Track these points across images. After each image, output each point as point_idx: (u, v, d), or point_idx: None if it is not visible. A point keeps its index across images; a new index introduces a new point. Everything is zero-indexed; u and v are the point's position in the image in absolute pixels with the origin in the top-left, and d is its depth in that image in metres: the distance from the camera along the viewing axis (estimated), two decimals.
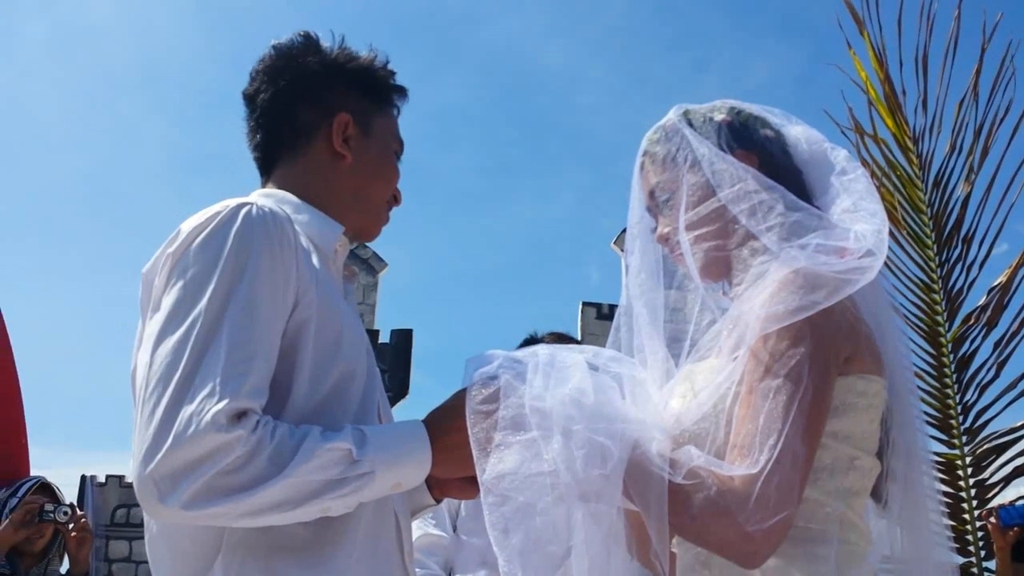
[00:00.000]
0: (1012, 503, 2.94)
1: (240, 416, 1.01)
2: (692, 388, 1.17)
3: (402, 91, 1.40)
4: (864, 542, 1.13)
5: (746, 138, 1.26)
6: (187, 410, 0.99)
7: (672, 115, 1.30)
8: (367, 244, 10.61)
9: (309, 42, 1.34)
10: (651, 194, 1.30)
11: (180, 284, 1.08)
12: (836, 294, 1.06)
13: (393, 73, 1.38)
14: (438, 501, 1.35)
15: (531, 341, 2.40)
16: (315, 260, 1.20)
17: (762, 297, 1.09)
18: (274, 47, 1.34)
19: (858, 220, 1.16)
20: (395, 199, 1.39)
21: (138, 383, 1.07)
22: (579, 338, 2.47)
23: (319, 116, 1.31)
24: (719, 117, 1.28)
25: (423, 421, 1.14)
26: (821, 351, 1.06)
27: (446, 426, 1.12)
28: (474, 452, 1.05)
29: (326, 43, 1.35)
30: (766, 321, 1.06)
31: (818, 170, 1.26)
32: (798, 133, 1.29)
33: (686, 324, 1.26)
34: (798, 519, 1.05)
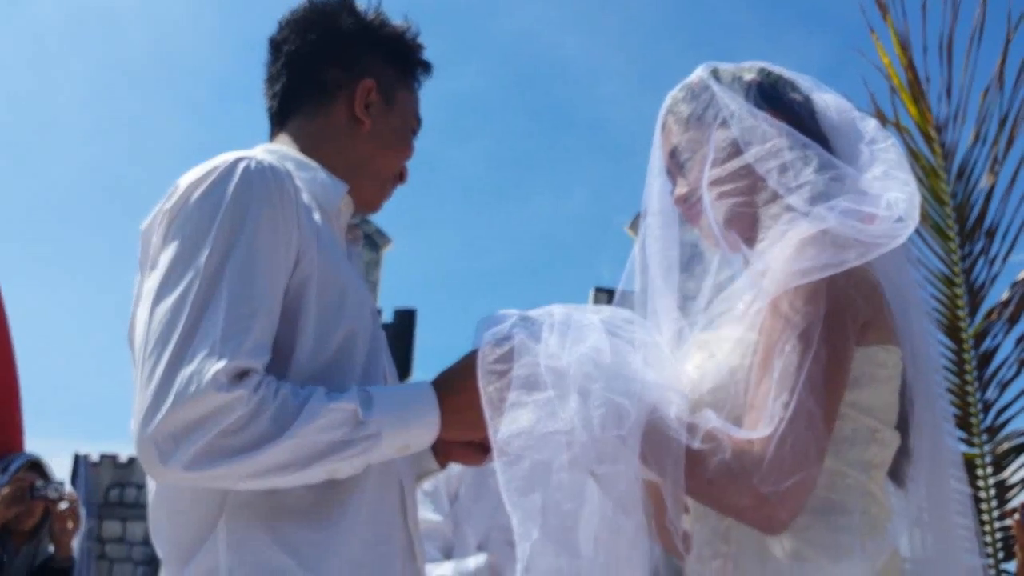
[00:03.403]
0: None
1: (242, 375, 0.99)
2: (710, 355, 1.14)
3: (427, 67, 1.38)
4: (884, 515, 1.11)
5: (775, 99, 1.23)
6: (187, 370, 0.97)
7: (700, 72, 1.27)
8: (369, 219, 10.60)
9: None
10: (672, 154, 1.28)
11: (177, 241, 1.06)
12: (866, 255, 1.04)
13: (422, 47, 1.36)
14: (442, 467, 1.33)
15: None
16: (317, 217, 1.17)
17: (787, 253, 1.07)
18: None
19: (890, 188, 1.13)
20: (401, 176, 1.37)
21: (137, 343, 1.05)
22: None
23: (344, 77, 1.29)
24: (748, 77, 1.25)
25: (432, 382, 1.12)
26: (839, 311, 1.04)
27: (456, 386, 1.10)
28: (487, 412, 1.03)
29: (361, 4, 1.33)
30: (792, 276, 1.04)
31: (845, 138, 1.23)
32: (827, 100, 1.26)
33: (700, 284, 1.22)
34: (819, 489, 1.02)
